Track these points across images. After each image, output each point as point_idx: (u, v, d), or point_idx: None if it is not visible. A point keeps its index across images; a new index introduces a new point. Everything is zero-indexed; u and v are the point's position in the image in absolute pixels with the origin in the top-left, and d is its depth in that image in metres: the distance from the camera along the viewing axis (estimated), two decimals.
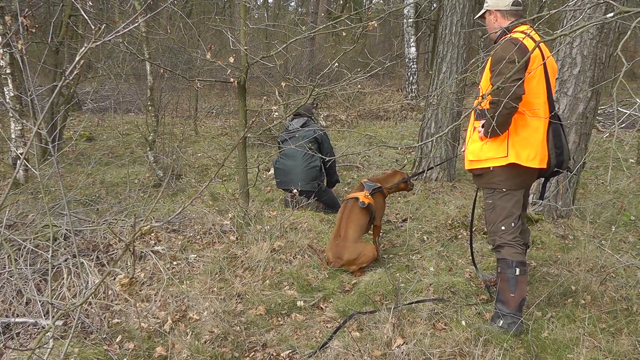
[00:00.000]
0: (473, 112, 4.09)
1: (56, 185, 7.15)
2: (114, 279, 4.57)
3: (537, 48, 3.69)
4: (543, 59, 3.82)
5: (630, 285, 4.58)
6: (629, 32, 2.15)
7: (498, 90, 3.50)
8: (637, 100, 9.78)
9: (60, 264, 4.57)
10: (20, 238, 4.68)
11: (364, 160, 10.06)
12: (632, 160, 9.68)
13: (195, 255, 5.18)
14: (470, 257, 4.80)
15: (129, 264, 4.83)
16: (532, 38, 3.78)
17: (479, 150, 4.03)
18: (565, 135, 4.08)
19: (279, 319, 4.32)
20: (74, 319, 3.17)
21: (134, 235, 2.00)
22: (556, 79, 4.38)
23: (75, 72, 2.02)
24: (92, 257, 4.79)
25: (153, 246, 5.22)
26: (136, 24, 2.41)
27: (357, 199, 5.35)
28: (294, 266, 5.09)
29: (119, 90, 13.34)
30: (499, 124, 3.66)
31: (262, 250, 5.17)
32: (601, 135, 11.99)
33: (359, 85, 14.50)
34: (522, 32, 3.88)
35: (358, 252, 5.11)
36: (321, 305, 4.56)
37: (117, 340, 3.85)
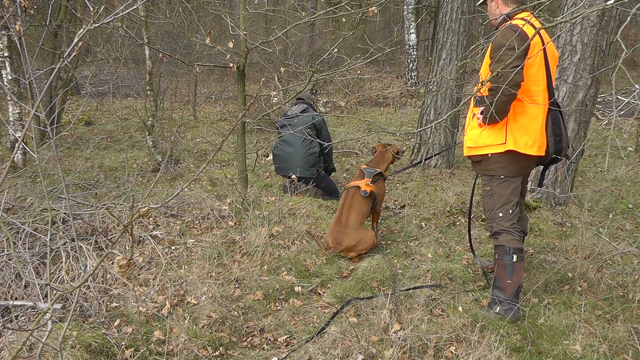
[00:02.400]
0: (472, 98, 4.09)
1: (54, 169, 7.14)
2: (112, 262, 4.58)
3: (537, 35, 3.68)
4: (543, 46, 3.81)
5: (626, 272, 4.59)
6: (628, 19, 2.14)
7: (497, 77, 3.50)
8: (637, 87, 9.76)
9: (58, 248, 4.58)
10: (19, 221, 4.69)
11: (362, 147, 10.05)
12: (631, 149, 9.68)
13: (194, 240, 5.19)
14: (469, 244, 4.81)
15: (128, 248, 4.84)
16: (532, 25, 3.77)
17: (478, 137, 4.03)
18: (565, 123, 4.07)
19: (277, 304, 4.34)
20: (73, 302, 3.18)
21: (132, 217, 1.99)
22: (556, 66, 4.37)
23: (73, 55, 2.01)
24: (90, 241, 4.79)
25: (152, 231, 5.22)
26: (135, 7, 2.40)
27: (359, 187, 5.36)
28: (292, 252, 5.10)
29: (118, 75, 13.33)
30: (497, 110, 3.67)
31: (260, 236, 5.18)
32: (600, 123, 11.98)
33: (359, 72, 14.46)
34: (522, 19, 3.86)
35: (358, 239, 5.12)
36: (319, 291, 4.58)
37: (116, 324, 3.86)
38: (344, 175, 8.38)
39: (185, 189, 6.39)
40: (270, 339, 3.83)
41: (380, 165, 5.70)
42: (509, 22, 3.89)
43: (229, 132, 2.10)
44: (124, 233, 2.03)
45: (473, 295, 4.31)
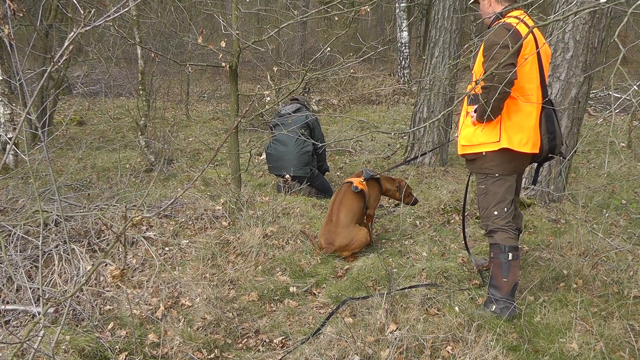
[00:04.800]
0: (466, 97, 4.07)
1: (46, 170, 7.10)
2: (105, 265, 4.55)
3: (530, 33, 3.67)
4: (536, 43, 3.81)
5: (621, 269, 4.60)
6: (625, 19, 2.13)
7: (491, 75, 3.49)
8: (633, 85, 9.76)
9: (51, 250, 4.54)
10: (10, 224, 4.65)
11: (356, 145, 10.03)
12: (623, 144, 9.70)
13: (188, 241, 5.16)
14: (463, 242, 4.80)
15: (121, 251, 4.81)
16: (525, 23, 3.76)
17: (472, 135, 4.02)
18: (558, 120, 4.07)
19: (272, 305, 4.32)
20: (65, 307, 3.16)
21: (125, 226, 1.97)
22: (549, 63, 4.39)
23: (64, 58, 1.99)
24: (83, 243, 4.76)
25: (145, 232, 5.19)
26: (127, 8, 2.37)
27: (351, 183, 5.33)
28: (287, 252, 5.08)
29: (110, 74, 13.25)
30: (491, 109, 3.65)
31: (254, 236, 5.16)
32: (593, 119, 12.01)
33: (351, 70, 14.44)
34: (515, 17, 3.85)
35: (350, 238, 5.10)
36: (314, 291, 4.56)
37: (109, 327, 3.83)
38: (338, 173, 8.37)
39: (178, 189, 6.36)
40: (265, 341, 3.81)
41: (384, 181, 5.61)
42: (501, 21, 3.88)
43: (225, 137, 2.08)
44: (116, 242, 2.00)
45: (469, 294, 4.31)
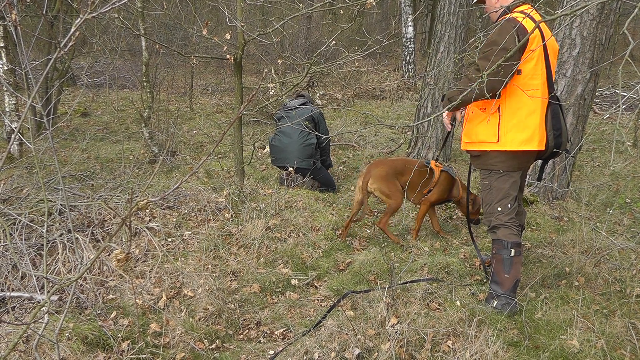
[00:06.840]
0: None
1: (51, 160, 7.10)
2: (109, 254, 4.56)
3: (536, 28, 3.65)
4: (543, 39, 3.78)
5: (624, 267, 4.59)
6: (635, 11, 2.12)
7: (478, 71, 3.51)
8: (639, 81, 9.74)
9: (55, 239, 4.56)
10: (15, 212, 4.67)
11: (359, 139, 10.03)
12: (629, 143, 9.67)
13: (190, 233, 5.17)
14: (470, 237, 4.79)
15: (124, 240, 4.82)
16: (532, 18, 3.74)
17: (472, 133, 4.02)
18: (564, 117, 4.05)
19: (274, 297, 4.33)
20: (69, 294, 3.17)
21: (130, 210, 1.98)
22: (556, 59, 4.36)
23: (70, 45, 1.99)
24: (87, 232, 4.77)
25: (148, 223, 5.20)
26: None
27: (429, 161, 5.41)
28: (289, 244, 5.09)
29: (114, 66, 13.27)
30: (462, 101, 3.64)
31: (257, 228, 5.16)
32: (598, 117, 11.98)
33: (356, 64, 14.40)
34: (522, 12, 3.83)
35: (385, 184, 5.21)
36: (315, 284, 4.57)
37: (112, 316, 3.85)
38: (341, 167, 8.36)
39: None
40: (266, 332, 3.83)
41: (462, 189, 5.47)
42: (508, 15, 3.85)
43: (228, 126, 2.08)
44: (122, 226, 2.01)
45: (470, 290, 4.31)
